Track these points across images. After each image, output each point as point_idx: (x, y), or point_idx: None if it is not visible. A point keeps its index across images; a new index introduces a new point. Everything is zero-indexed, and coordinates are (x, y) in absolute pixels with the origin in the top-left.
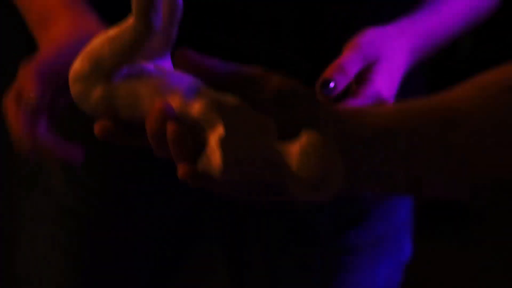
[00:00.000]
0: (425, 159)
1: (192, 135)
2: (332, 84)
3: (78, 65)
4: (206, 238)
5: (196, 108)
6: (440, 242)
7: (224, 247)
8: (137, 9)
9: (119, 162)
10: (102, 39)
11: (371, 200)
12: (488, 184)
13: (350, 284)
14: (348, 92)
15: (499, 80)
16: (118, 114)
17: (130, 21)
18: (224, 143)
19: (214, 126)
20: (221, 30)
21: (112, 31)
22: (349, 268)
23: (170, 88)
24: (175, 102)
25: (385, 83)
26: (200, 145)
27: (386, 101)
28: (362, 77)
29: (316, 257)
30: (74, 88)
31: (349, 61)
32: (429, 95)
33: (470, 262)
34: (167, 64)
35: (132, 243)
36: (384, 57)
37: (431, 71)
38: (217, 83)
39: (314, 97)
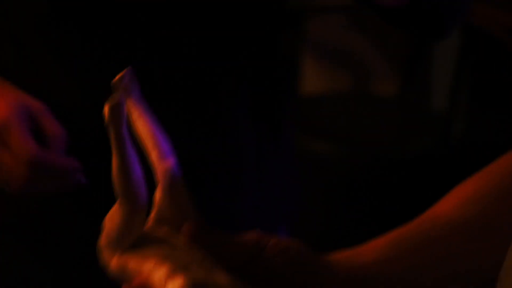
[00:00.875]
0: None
1: None
2: None
3: (101, 235)
4: None
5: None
6: None
7: None
8: (117, 191)
9: None
10: (111, 213)
11: None
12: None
13: None
14: None
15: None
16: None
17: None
18: None
19: None
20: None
21: (113, 208)
22: None
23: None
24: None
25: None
26: None
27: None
28: None
29: None
30: (101, 257)
31: None
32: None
33: None
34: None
35: None
36: None
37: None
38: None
39: (315, 256)
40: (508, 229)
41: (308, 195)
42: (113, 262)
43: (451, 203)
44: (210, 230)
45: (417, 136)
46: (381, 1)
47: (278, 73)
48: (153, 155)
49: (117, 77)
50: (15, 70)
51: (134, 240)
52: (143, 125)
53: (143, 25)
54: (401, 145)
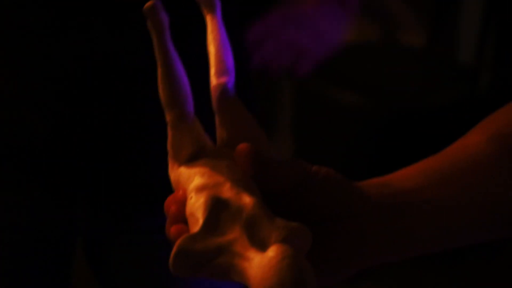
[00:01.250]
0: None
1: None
2: None
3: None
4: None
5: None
6: None
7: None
8: (162, 101)
9: None
10: None
11: None
12: None
13: None
14: None
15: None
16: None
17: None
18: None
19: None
20: None
21: None
22: None
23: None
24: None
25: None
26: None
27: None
28: None
29: None
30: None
31: None
32: None
33: None
34: None
35: None
36: None
37: None
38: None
39: (349, 182)
40: None
41: (334, 145)
42: (171, 175)
43: (481, 135)
44: (261, 153)
45: (443, 88)
46: None
47: None
48: (212, 71)
49: None
50: None
51: (190, 154)
52: (211, 41)
53: None
54: (428, 96)
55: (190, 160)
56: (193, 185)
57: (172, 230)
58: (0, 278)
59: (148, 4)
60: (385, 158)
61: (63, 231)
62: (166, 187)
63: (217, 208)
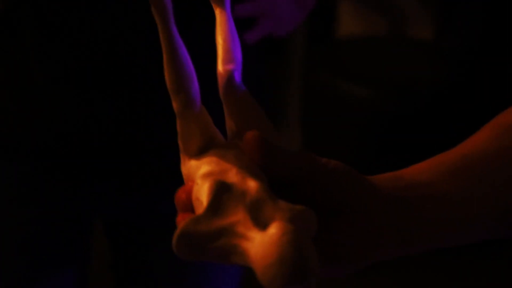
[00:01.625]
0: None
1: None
2: None
3: None
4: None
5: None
6: None
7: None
8: (168, 87)
9: None
10: None
11: None
12: None
13: None
14: None
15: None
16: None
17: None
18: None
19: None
20: None
21: None
22: None
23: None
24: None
25: None
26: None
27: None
28: None
29: None
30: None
31: None
32: None
33: None
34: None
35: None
36: None
37: None
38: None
39: (361, 176)
40: None
41: (342, 138)
42: (183, 170)
43: (491, 131)
44: (269, 142)
45: (451, 81)
46: None
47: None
48: (218, 60)
49: None
50: None
51: (200, 147)
52: (220, 33)
53: None
54: (435, 89)
55: (200, 153)
56: (200, 172)
57: (179, 219)
58: (20, 260)
59: None
60: (393, 151)
61: (84, 214)
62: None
63: (222, 192)
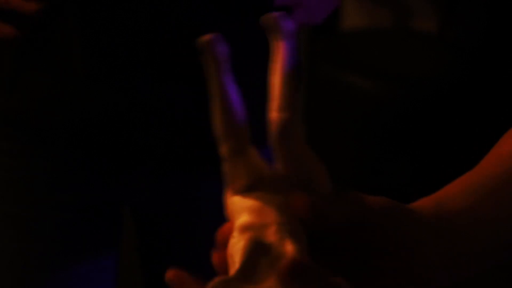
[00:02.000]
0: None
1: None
2: None
3: None
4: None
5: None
6: None
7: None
8: (217, 133)
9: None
10: None
11: None
12: None
13: None
14: None
15: None
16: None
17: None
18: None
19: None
20: None
21: None
22: None
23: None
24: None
25: None
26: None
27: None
28: None
29: None
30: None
31: None
32: None
33: None
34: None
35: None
36: None
37: None
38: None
39: (408, 210)
40: None
41: (346, 130)
42: (226, 199)
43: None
44: (317, 204)
45: (455, 73)
46: None
47: None
48: (273, 104)
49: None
50: None
51: (246, 185)
52: (277, 71)
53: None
54: (439, 81)
55: (246, 191)
56: (239, 222)
57: (213, 256)
58: (55, 244)
59: (204, 38)
60: (397, 143)
61: (112, 200)
62: (214, 156)
63: (256, 253)
